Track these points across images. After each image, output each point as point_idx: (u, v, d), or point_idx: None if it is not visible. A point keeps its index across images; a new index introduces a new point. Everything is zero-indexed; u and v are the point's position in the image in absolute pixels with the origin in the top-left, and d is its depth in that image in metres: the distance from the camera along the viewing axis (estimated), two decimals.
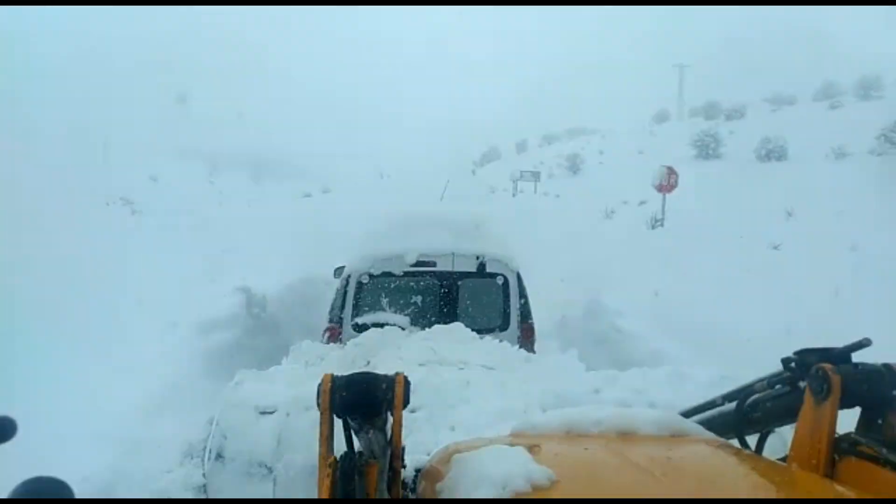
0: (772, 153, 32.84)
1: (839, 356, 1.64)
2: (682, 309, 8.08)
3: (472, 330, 5.23)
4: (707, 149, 37.14)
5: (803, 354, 1.71)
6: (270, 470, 3.63)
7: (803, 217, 15.80)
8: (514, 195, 33.60)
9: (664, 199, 16.26)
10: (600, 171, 40.76)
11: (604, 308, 8.55)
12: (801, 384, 1.66)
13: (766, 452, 1.83)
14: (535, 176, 34.59)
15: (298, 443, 3.55)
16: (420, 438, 3.07)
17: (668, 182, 16.12)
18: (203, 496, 3.91)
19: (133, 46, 76.71)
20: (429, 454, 2.23)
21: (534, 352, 5.57)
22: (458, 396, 3.81)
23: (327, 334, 5.77)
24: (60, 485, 0.78)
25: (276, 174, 48.99)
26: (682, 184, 17.08)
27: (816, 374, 1.56)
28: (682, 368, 4.27)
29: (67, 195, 17.00)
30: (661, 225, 15.84)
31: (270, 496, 3.57)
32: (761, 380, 1.88)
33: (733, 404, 1.97)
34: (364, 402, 1.57)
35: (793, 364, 1.73)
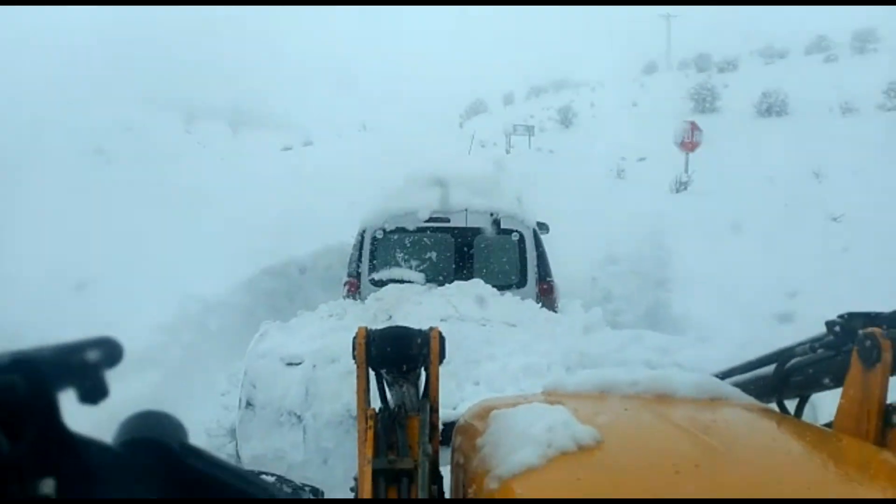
0: (772, 107, 31.94)
1: (888, 320, 1.59)
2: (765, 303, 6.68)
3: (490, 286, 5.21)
4: (704, 102, 36.16)
5: (849, 318, 1.65)
6: (300, 418, 3.72)
7: (834, 178, 14.88)
8: (507, 151, 32.47)
9: (687, 157, 15.19)
10: (593, 125, 39.60)
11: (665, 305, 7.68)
12: (846, 349, 1.61)
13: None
14: (529, 130, 33.32)
15: (326, 393, 3.69)
16: (444, 393, 3.09)
17: (690, 138, 15.00)
18: (233, 442, 4.01)
19: None
20: (454, 408, 2.32)
21: (555, 310, 5.49)
22: (481, 353, 3.85)
23: (346, 287, 5.82)
24: (174, 423, 0.69)
25: (255, 124, 47.16)
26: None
27: (865, 338, 1.50)
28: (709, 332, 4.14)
29: (37, 144, 15.71)
30: (685, 188, 14.74)
31: (300, 444, 3.67)
32: (802, 343, 1.82)
33: (770, 367, 1.92)
34: (400, 356, 1.57)
35: (837, 328, 1.67)
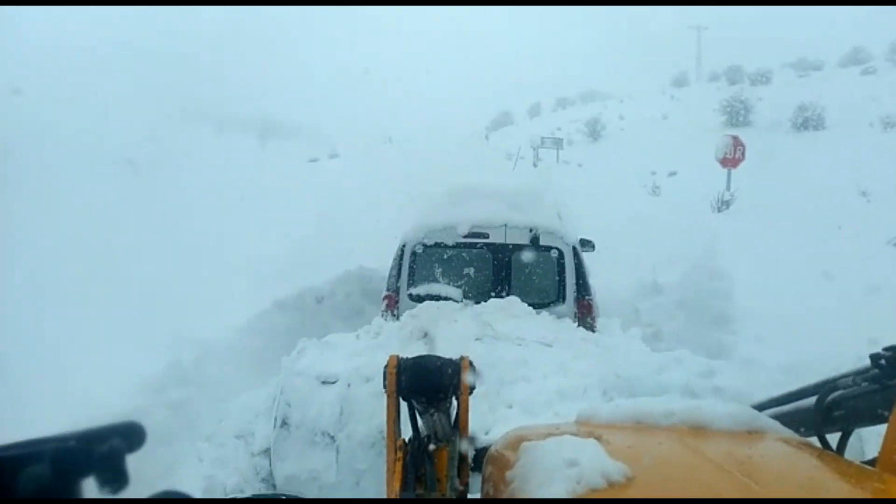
0: (809, 121, 31.09)
1: None
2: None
3: (526, 304, 5.16)
4: (737, 115, 35.38)
5: (895, 351, 1.57)
6: (333, 439, 3.67)
7: (881, 197, 14.16)
8: (535, 164, 31.99)
9: (729, 174, 14.51)
10: (622, 138, 39.04)
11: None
12: (892, 382, 1.55)
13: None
14: (558, 143, 32.83)
15: (360, 413, 3.64)
16: (476, 415, 2.98)
17: (733, 154, 14.30)
18: (267, 460, 3.89)
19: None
20: (487, 433, 2.29)
21: (594, 330, 5.41)
22: (515, 374, 3.77)
23: (385, 302, 5.82)
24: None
25: (283, 135, 47.20)
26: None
27: None
28: (751, 354, 3.99)
29: (67, 156, 15.66)
30: (727, 207, 14.04)
31: (333, 464, 3.60)
32: (846, 375, 1.74)
33: (810, 399, 1.85)
34: (430, 386, 1.56)
35: (883, 361, 1.60)
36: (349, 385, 3.83)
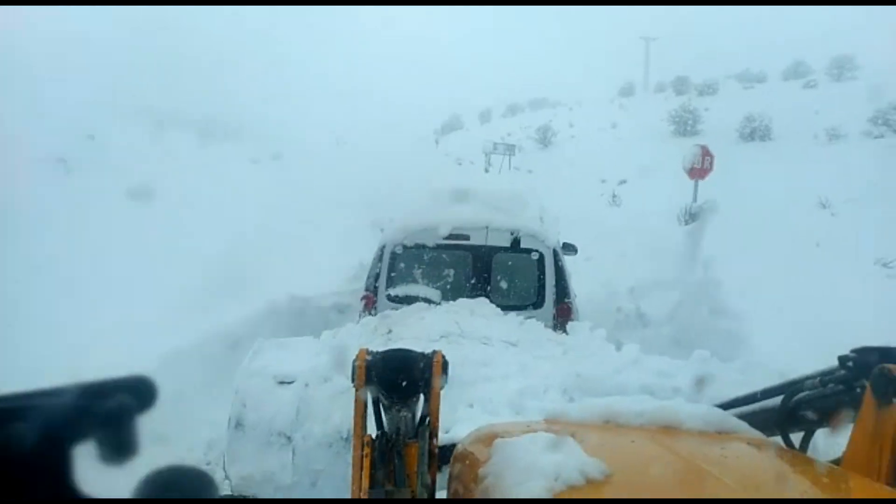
0: (756, 132, 31.38)
1: None
2: None
3: (506, 306, 5.28)
4: (685, 125, 35.61)
5: (862, 353, 1.64)
6: (289, 439, 3.63)
7: (843, 210, 13.90)
8: (486, 170, 31.40)
9: (696, 185, 14.02)
10: (573, 145, 38.88)
11: None
12: (858, 384, 1.60)
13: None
14: (510, 149, 32.30)
15: (317, 413, 3.59)
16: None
17: (701, 165, 13.83)
18: (222, 463, 3.80)
19: None
20: (447, 431, 2.30)
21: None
22: (477, 373, 3.75)
23: (363, 302, 5.79)
24: (202, 477, 0.62)
25: (224, 136, 45.46)
26: (674, 165, 14.89)
27: (880, 374, 1.47)
28: (705, 354, 3.92)
29: None
30: (692, 219, 13.39)
31: (289, 466, 3.54)
32: (811, 377, 1.79)
33: (776, 399, 1.88)
34: (400, 380, 1.51)
35: (850, 363, 1.65)
36: (307, 385, 3.77)
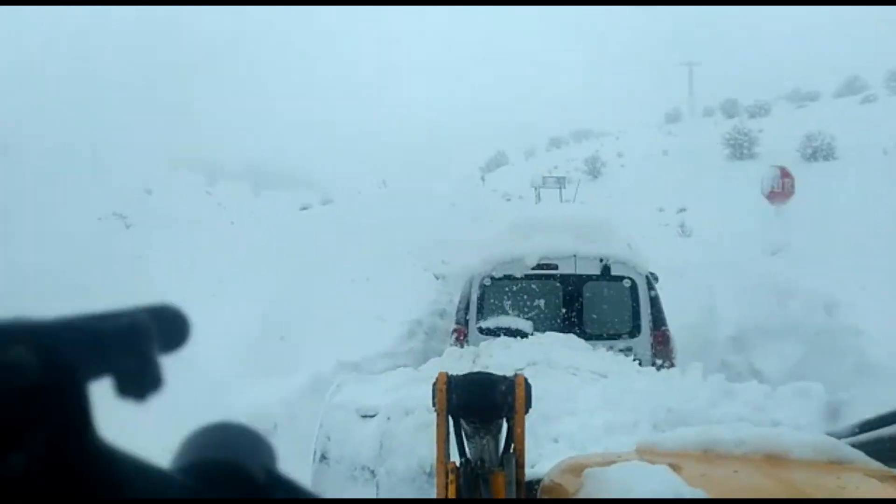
0: (818, 151, 30.22)
1: None
2: None
3: (600, 336, 5.34)
4: (741, 148, 34.58)
5: None
6: (373, 473, 3.65)
7: None
8: (537, 203, 30.95)
9: (778, 210, 13.01)
10: (623, 174, 38.20)
11: None
12: None
13: None
14: (560, 181, 31.63)
15: (400, 447, 3.58)
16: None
17: (781, 188, 12.88)
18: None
19: (125, 50, 73.72)
20: (532, 467, 2.23)
21: (673, 362, 5.29)
22: (562, 407, 3.68)
23: (454, 336, 5.74)
24: (258, 442, 0.54)
25: (275, 184, 46.11)
26: (740, 190, 13.93)
27: None
28: (809, 384, 3.64)
29: (55, 211, 14.34)
30: (780, 249, 12.28)
31: (373, 499, 3.52)
32: None
33: (893, 428, 1.73)
34: (482, 404, 1.47)
35: None
36: (389, 418, 3.77)
